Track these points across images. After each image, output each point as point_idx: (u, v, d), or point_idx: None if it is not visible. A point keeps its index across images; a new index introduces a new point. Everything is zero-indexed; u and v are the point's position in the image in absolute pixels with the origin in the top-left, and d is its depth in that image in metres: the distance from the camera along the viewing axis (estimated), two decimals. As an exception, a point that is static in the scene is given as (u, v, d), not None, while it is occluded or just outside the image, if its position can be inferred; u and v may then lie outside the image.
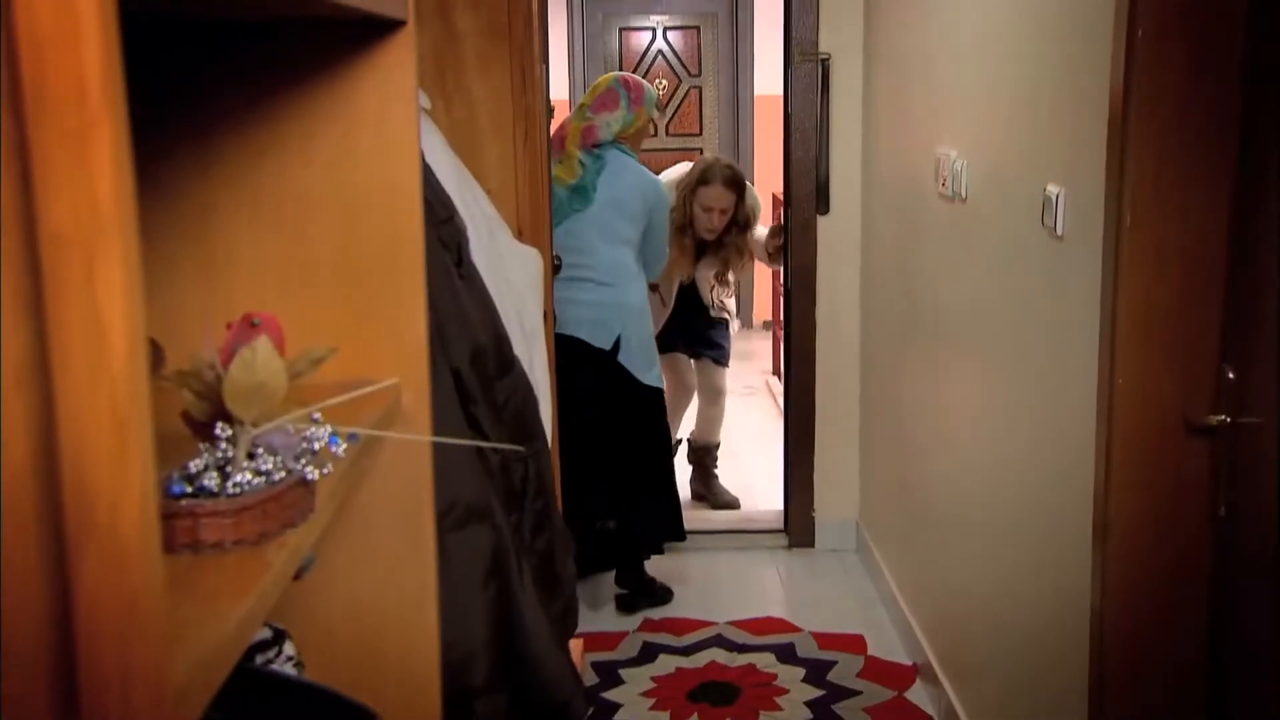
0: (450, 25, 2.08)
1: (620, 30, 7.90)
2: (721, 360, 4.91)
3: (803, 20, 4.17)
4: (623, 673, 3.52)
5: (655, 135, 7.88)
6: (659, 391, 3.97)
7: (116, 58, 0.46)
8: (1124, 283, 1.99)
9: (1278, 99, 1.81)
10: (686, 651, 3.65)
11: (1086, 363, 2.12)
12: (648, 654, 3.64)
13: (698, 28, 7.87)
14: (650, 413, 3.95)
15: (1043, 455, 2.44)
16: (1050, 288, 2.36)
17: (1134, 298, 1.99)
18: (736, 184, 4.38)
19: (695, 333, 4.82)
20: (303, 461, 0.91)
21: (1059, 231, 2.26)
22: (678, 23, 7.88)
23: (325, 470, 0.93)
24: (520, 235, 2.09)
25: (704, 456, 5.02)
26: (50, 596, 0.49)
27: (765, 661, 3.58)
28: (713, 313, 4.77)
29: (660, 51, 7.90)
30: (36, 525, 0.48)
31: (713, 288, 4.72)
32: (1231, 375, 1.94)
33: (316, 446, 0.94)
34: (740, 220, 4.46)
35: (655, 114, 4.00)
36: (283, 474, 0.89)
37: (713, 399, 4.93)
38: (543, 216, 2.40)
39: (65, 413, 0.47)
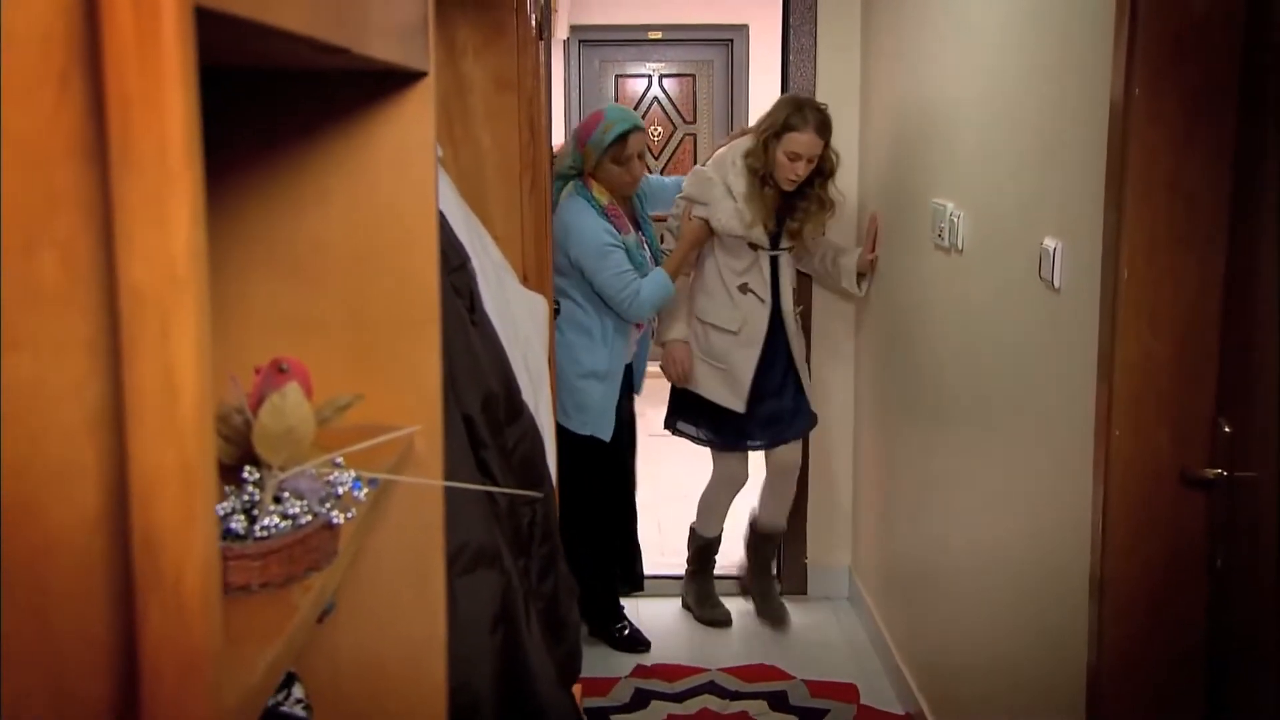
0: (460, 76, 2.11)
1: (616, 77, 7.98)
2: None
3: (800, 70, 4.22)
4: (615, 719, 3.50)
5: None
6: (584, 441, 3.72)
7: (196, 118, 0.48)
8: (1121, 336, 2.02)
9: (1270, 154, 1.84)
10: (679, 698, 3.63)
11: (1083, 414, 2.13)
12: (640, 700, 3.62)
13: (693, 75, 7.96)
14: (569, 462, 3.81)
15: (1039, 506, 2.45)
16: (1047, 340, 2.38)
17: (1131, 351, 2.02)
18: (828, 130, 3.78)
19: (784, 406, 4.00)
20: (327, 505, 0.92)
21: (1056, 284, 2.29)
22: (673, 70, 7.97)
23: (349, 515, 0.94)
24: (525, 282, 2.12)
25: (764, 545, 4.22)
26: (115, 643, 0.50)
27: (758, 709, 3.57)
28: (792, 344, 3.99)
29: (656, 98, 7.97)
30: (104, 572, 0.49)
31: (794, 289, 4.04)
32: (1227, 429, 1.96)
33: (340, 491, 0.95)
34: (826, 169, 3.83)
35: (621, 139, 3.65)
36: (309, 518, 0.90)
37: (784, 472, 4.14)
38: (547, 264, 2.42)
39: (136, 463, 0.49)
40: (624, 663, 3.86)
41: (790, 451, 4.10)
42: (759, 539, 4.22)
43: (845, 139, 4.19)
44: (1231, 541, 1.98)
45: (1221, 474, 1.97)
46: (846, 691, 3.66)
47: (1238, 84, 1.92)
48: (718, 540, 4.21)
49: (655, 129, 7.95)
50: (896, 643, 3.69)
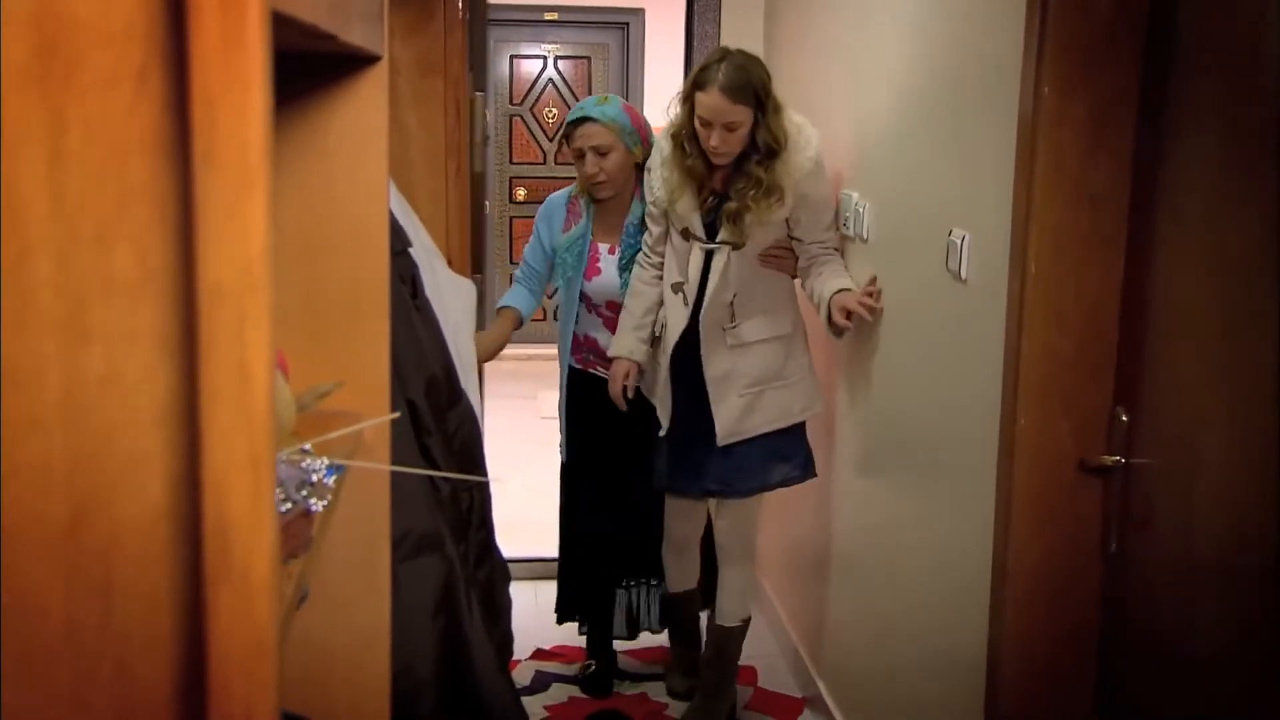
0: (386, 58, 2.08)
1: (511, 57, 7.94)
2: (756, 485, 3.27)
3: (702, 56, 4.26)
4: (516, 701, 3.52)
5: (544, 163, 7.93)
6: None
7: (271, 119, 0.49)
8: (1027, 330, 2.10)
9: (1168, 159, 1.93)
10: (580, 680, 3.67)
11: (988, 403, 2.21)
12: (540, 683, 3.64)
13: (589, 58, 7.96)
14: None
15: (943, 492, 2.53)
16: (953, 329, 2.45)
17: (1036, 345, 2.10)
18: (744, 93, 2.93)
19: (702, 450, 3.22)
20: (304, 493, 0.93)
21: (963, 276, 2.36)
22: (569, 52, 7.96)
23: (325, 502, 0.94)
24: (450, 265, 2.11)
25: (718, 641, 3.41)
26: (178, 631, 0.50)
27: (657, 690, 3.62)
28: (711, 379, 3.13)
29: (550, 80, 7.95)
30: (169, 562, 0.50)
31: (733, 298, 3.10)
32: (1125, 419, 2.05)
33: (314, 478, 0.95)
34: (760, 144, 2.98)
35: (569, 126, 3.40)
36: (288, 505, 0.90)
37: (720, 549, 3.39)
38: (467, 248, 2.42)
39: (210, 455, 0.49)
40: (524, 645, 3.84)
41: (723, 518, 3.33)
42: (713, 632, 3.43)
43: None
44: (1126, 526, 2.07)
45: (1119, 461, 2.06)
46: (745, 674, 3.72)
47: (1139, 92, 2.01)
48: (685, 597, 3.51)
49: (551, 110, 7.93)
50: (795, 628, 3.77)
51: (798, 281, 3.21)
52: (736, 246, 3.06)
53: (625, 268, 3.36)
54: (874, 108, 3.00)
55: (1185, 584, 1.91)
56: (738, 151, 3.00)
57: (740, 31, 4.22)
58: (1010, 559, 2.16)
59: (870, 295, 2.87)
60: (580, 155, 3.35)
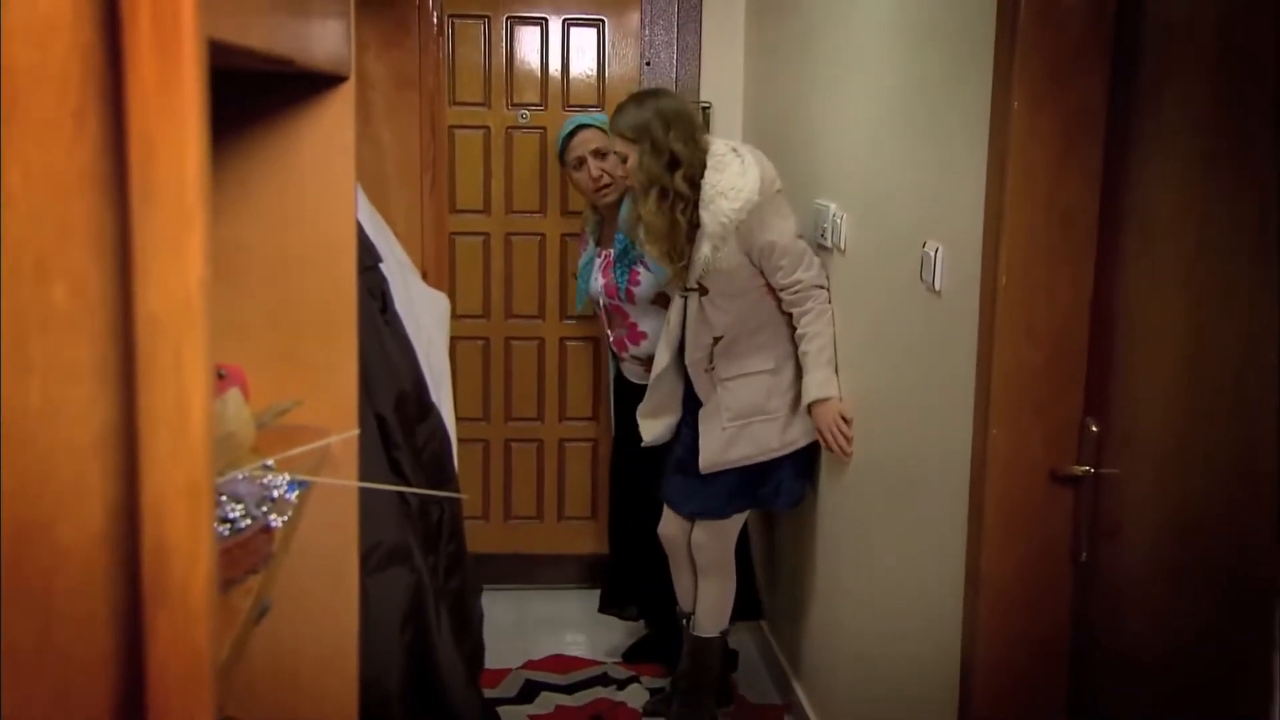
0: (361, 71, 2.09)
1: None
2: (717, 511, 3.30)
3: (684, 68, 4.28)
4: (499, 711, 3.52)
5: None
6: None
7: (208, 157, 0.50)
8: (999, 343, 2.11)
9: (1135, 177, 1.95)
10: (570, 690, 3.67)
11: (961, 414, 2.23)
12: (528, 692, 3.65)
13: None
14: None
15: (917, 501, 2.54)
16: (927, 341, 2.47)
17: (1008, 357, 2.12)
18: (616, 124, 3.11)
19: (677, 463, 3.33)
20: (264, 508, 0.94)
21: (937, 287, 2.38)
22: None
23: (286, 517, 0.96)
24: (425, 278, 2.13)
25: (695, 651, 3.41)
26: (117, 654, 0.52)
27: (638, 699, 3.63)
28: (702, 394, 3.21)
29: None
30: (108, 587, 0.51)
31: (714, 342, 3.15)
32: (1094, 429, 2.07)
33: (275, 494, 0.97)
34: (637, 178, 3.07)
35: (567, 138, 3.53)
36: (248, 521, 0.92)
37: (706, 568, 3.38)
38: (445, 261, 2.43)
39: (148, 482, 0.51)
40: (515, 654, 3.84)
41: (699, 532, 3.33)
42: (690, 642, 3.42)
43: (728, 139, 4.25)
44: (1096, 535, 2.09)
45: (1088, 471, 2.08)
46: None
47: (1108, 108, 2.03)
48: (683, 618, 3.47)
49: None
50: (774, 635, 3.78)
51: None
52: (703, 292, 3.11)
53: (616, 262, 3.47)
54: (852, 119, 3.02)
55: (1154, 593, 1.93)
56: (615, 184, 3.36)
57: (721, 40, 4.25)
58: (982, 568, 2.18)
59: (845, 437, 2.98)
60: (580, 164, 3.44)
